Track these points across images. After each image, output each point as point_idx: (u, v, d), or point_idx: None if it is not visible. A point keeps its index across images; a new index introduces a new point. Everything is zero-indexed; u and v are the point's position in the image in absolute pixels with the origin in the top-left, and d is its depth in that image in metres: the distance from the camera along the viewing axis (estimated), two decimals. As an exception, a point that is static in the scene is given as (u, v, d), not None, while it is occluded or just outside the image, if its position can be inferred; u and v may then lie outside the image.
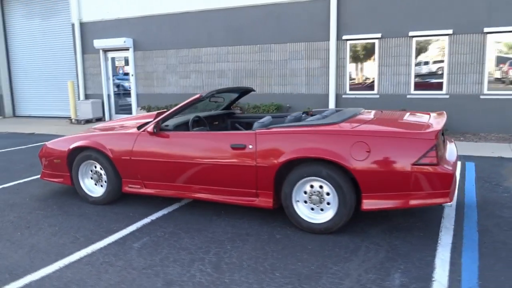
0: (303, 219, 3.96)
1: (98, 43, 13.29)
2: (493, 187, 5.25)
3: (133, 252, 3.69)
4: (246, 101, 11.45)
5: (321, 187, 3.88)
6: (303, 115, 5.21)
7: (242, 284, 3.07)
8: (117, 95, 13.85)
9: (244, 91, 5.80)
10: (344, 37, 10.16)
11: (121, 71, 13.65)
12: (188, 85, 12.34)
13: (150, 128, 4.56)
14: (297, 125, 4.03)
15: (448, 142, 4.55)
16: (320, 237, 3.88)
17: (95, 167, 4.98)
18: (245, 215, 4.50)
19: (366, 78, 10.25)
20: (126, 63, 13.43)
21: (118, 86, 13.80)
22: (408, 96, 9.76)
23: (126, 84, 13.57)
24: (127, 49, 13.11)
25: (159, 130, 4.58)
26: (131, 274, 3.28)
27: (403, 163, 3.55)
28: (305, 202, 3.99)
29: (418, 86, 9.73)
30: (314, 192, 3.91)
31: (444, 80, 9.44)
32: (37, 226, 4.39)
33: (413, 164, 3.53)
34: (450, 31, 9.13)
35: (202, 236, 3.99)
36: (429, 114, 4.63)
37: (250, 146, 4.07)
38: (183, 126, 4.86)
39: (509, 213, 4.34)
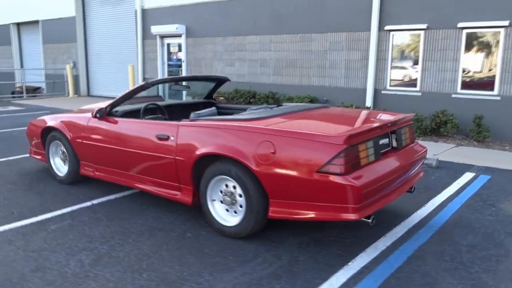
0: (215, 219, 3.69)
1: (155, 29, 13.80)
2: (484, 208, 4.42)
3: (42, 234, 3.73)
4: (283, 92, 11.09)
5: (234, 187, 3.57)
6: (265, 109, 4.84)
7: (100, 281, 2.94)
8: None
9: (220, 81, 5.57)
10: (387, 28, 9.30)
11: (174, 57, 14.05)
12: (232, 73, 12.29)
13: (94, 112, 4.57)
14: (218, 119, 3.73)
15: (409, 148, 3.89)
16: (227, 241, 3.58)
17: (63, 147, 5.15)
18: (179, 209, 4.33)
19: (408, 74, 9.30)
20: (180, 49, 13.78)
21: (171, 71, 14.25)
22: (453, 96, 8.65)
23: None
24: (179, 35, 13.44)
25: (107, 115, 4.57)
26: (16, 255, 3.32)
27: (307, 169, 3.10)
28: (221, 202, 3.70)
29: (465, 85, 8.57)
30: (228, 192, 3.61)
31: (496, 79, 8.18)
32: (-7, 198, 4.66)
33: (317, 172, 3.07)
34: (506, 23, 7.85)
35: (119, 226, 3.92)
36: (395, 115, 4.00)
37: (172, 138, 3.88)
38: (135, 114, 4.80)
39: (470, 240, 3.61)
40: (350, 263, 3.19)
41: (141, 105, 5.01)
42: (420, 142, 7.93)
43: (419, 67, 9.06)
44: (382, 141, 3.56)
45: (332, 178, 3.00)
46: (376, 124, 3.41)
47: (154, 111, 5.02)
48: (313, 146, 3.10)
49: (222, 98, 5.77)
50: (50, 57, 19.18)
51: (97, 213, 4.24)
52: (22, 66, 21.43)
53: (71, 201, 4.59)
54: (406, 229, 3.83)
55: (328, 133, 3.12)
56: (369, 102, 9.65)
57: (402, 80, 9.42)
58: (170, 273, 3.06)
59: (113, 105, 4.58)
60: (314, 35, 10.51)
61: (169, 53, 14.19)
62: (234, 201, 3.59)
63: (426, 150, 4.17)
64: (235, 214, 3.63)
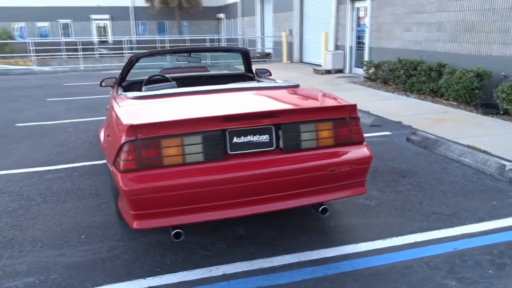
0: (118, 196, 3.64)
1: (344, -8, 13.08)
2: (490, 264, 2.70)
3: (31, 181, 4.52)
4: (454, 63, 8.85)
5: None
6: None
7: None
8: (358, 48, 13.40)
9: (242, 52, 5.07)
10: None
11: (362, 23, 13.02)
12: (409, 39, 10.54)
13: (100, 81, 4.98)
14: (122, 95, 3.56)
15: (319, 153, 2.76)
16: (114, 220, 3.50)
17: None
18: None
19: None
20: (367, 13, 12.65)
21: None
22: None
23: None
24: (364, -2, 12.33)
25: (118, 85, 4.90)
26: (-12, 193, 4.21)
27: (111, 161, 2.71)
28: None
29: None
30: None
31: None
32: (41, 138, 5.82)
33: (113, 164, 2.65)
34: None
35: (81, 186, 4.33)
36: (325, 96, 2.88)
37: (109, 111, 3.95)
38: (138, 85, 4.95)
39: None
40: (158, 277, 2.67)
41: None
42: None
43: None
44: (246, 138, 2.68)
45: (115, 174, 2.54)
46: (216, 114, 2.59)
47: (160, 83, 5.06)
48: (117, 135, 2.67)
49: (268, 73, 5.21)
50: (276, 25, 20.81)
51: (91, 171, 4.77)
52: (262, 34, 24.06)
53: (93, 157, 5.24)
54: (293, 261, 2.81)
55: (128, 121, 2.60)
56: (560, 80, 6.70)
57: None
58: (27, 235, 3.29)
59: (121, 77, 4.88)
60: (501, -12, 7.84)
61: (358, 18, 13.24)
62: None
63: (368, 158, 2.83)
64: (125, 195, 3.49)
